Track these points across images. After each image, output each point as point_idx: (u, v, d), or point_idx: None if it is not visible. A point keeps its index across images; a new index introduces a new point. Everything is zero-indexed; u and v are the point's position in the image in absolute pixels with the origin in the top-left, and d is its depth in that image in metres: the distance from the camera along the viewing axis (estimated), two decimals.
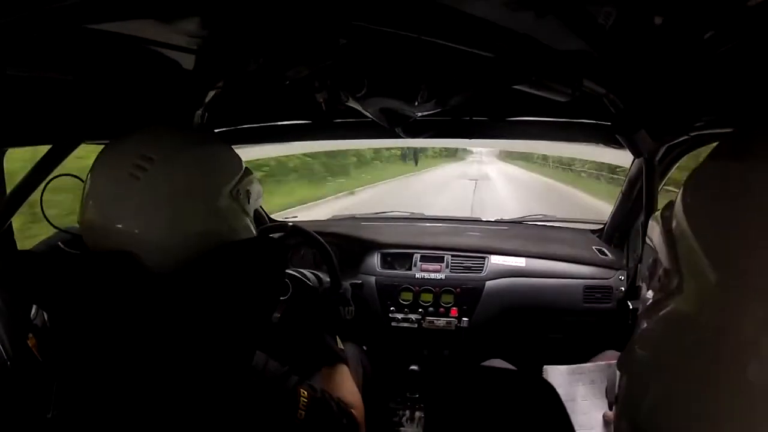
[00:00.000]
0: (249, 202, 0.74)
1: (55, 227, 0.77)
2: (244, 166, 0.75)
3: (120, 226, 0.62)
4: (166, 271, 0.63)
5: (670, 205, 0.47)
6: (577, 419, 0.65)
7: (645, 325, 0.47)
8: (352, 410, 0.78)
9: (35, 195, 0.93)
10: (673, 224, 0.44)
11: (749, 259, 0.32)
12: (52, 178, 0.83)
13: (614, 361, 0.53)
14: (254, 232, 0.75)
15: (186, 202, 0.64)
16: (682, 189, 0.45)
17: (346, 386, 0.88)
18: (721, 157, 0.44)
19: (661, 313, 0.44)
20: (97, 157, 0.67)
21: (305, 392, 0.68)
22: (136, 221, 0.62)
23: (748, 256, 0.32)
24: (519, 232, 1.76)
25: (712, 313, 0.35)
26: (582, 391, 1.00)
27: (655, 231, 0.49)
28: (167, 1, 0.61)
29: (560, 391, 0.65)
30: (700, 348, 0.35)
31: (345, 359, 0.94)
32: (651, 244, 0.50)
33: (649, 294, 0.49)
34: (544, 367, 1.04)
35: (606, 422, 0.92)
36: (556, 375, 1.02)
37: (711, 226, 0.39)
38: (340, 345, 0.96)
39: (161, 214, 0.63)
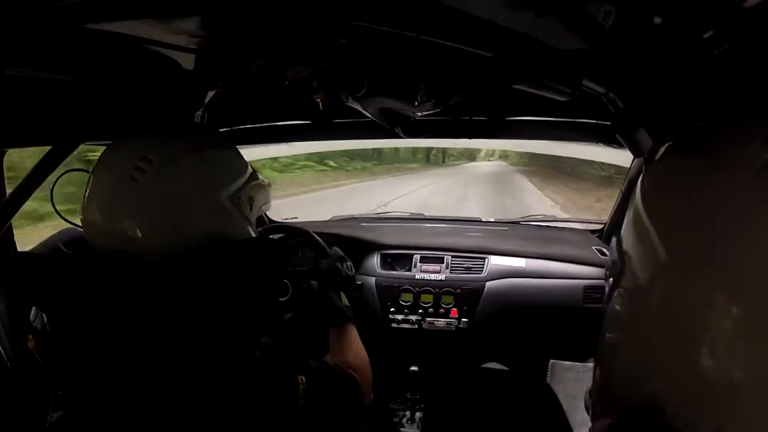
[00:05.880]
0: (251, 209, 0.73)
1: (67, 221, 0.77)
2: (250, 170, 0.74)
3: (118, 226, 0.62)
4: (165, 270, 0.63)
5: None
6: (577, 417, 0.65)
7: (605, 314, 0.53)
8: (355, 372, 0.79)
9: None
10: (623, 228, 0.53)
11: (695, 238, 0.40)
12: (65, 172, 0.85)
13: None
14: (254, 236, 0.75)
15: (182, 205, 0.64)
16: (638, 187, 0.52)
17: (352, 348, 0.89)
18: (672, 158, 0.52)
19: (613, 296, 0.52)
20: (101, 157, 0.67)
21: (303, 378, 0.68)
22: (134, 222, 0.62)
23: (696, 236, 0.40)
24: (519, 233, 1.76)
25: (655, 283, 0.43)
26: (584, 389, 1.01)
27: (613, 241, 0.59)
28: (167, 1, 0.61)
29: (563, 387, 0.65)
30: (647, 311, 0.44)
31: (351, 317, 0.95)
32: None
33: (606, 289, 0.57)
34: (551, 361, 1.03)
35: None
36: (561, 370, 1.02)
37: (660, 217, 0.45)
38: (345, 302, 0.97)
39: (157, 216, 0.63)
